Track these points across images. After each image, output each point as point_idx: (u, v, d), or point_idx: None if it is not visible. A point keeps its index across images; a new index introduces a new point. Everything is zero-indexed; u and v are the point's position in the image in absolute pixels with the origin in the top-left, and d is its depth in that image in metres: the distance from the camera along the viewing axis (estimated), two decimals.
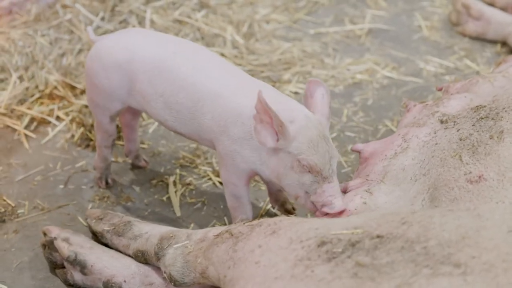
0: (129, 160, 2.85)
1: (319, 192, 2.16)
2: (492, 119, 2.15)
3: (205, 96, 2.28)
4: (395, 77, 3.43)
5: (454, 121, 2.23)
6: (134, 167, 2.84)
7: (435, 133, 2.24)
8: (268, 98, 2.11)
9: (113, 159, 2.84)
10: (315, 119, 2.18)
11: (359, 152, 2.37)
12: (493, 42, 3.70)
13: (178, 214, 2.65)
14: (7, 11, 3.56)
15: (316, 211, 2.19)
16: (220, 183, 2.77)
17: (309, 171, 2.14)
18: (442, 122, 2.26)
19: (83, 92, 3.18)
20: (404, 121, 2.42)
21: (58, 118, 3.09)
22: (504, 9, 3.73)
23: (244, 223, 2.03)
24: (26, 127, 3.04)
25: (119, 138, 2.93)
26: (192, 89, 2.30)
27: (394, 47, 3.67)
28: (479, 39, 3.73)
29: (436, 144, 2.19)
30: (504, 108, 2.18)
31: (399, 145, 2.26)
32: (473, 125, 2.17)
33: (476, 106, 2.25)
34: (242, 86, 2.28)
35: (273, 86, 3.24)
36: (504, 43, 3.67)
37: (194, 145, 2.95)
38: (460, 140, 2.14)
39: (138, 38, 2.43)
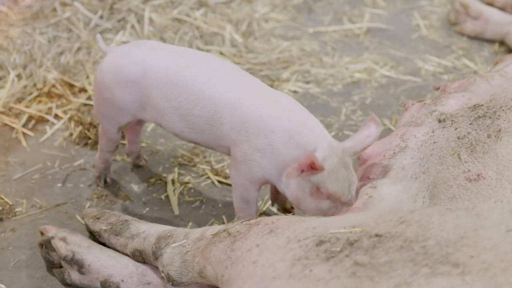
0: (128, 159, 2.84)
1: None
2: (490, 118, 2.15)
3: (222, 108, 2.25)
4: (393, 76, 3.43)
5: (452, 120, 2.23)
6: (133, 165, 2.84)
7: (433, 132, 2.23)
8: (288, 115, 2.18)
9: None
10: (336, 145, 2.18)
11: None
12: (491, 41, 3.70)
13: (176, 212, 2.64)
14: (31, 10, 3.55)
15: None
16: (219, 181, 2.77)
17: (328, 198, 2.17)
18: (440, 121, 2.25)
19: (81, 90, 3.18)
20: (402, 120, 2.42)
21: (56, 116, 3.09)
22: (503, 8, 3.74)
23: (241, 222, 2.02)
24: (24, 126, 3.03)
25: (121, 137, 2.92)
26: (208, 101, 2.26)
27: (392, 46, 3.67)
28: (477, 38, 3.73)
29: (434, 142, 2.19)
30: (501, 107, 2.18)
31: (397, 145, 2.26)
32: (470, 124, 2.17)
33: (474, 105, 2.24)
34: (261, 97, 2.26)
35: (272, 84, 3.27)
36: (502, 43, 3.67)
37: (192, 144, 2.94)
38: (458, 138, 2.14)
39: (150, 52, 2.38)
